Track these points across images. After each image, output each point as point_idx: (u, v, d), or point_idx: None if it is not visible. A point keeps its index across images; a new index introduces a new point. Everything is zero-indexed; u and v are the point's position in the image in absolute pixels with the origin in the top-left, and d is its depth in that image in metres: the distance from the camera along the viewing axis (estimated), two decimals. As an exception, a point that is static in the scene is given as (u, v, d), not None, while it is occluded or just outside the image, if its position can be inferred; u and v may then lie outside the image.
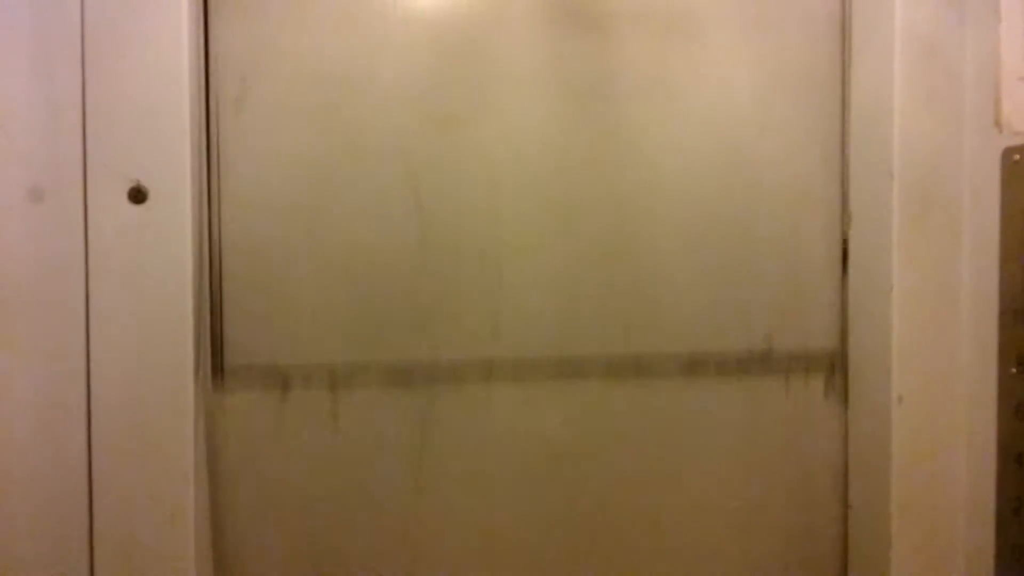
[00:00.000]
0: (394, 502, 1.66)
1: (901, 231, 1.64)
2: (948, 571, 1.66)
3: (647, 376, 1.73)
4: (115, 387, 1.41)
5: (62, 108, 1.40)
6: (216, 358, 1.59)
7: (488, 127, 1.67)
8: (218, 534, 1.59)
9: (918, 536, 1.66)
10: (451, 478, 1.67)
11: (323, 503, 1.63)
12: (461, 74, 1.66)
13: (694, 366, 1.75)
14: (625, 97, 1.71)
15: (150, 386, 1.42)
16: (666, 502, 1.75)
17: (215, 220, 1.58)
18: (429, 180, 1.65)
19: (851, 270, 1.77)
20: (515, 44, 1.67)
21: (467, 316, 1.67)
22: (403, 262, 1.64)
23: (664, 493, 1.75)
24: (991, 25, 1.63)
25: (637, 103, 1.72)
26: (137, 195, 1.41)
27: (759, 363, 1.77)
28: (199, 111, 1.52)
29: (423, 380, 1.66)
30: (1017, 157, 1.60)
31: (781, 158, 1.77)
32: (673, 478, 1.76)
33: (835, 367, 1.79)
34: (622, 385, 1.73)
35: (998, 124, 1.62)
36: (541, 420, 1.70)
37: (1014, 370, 1.61)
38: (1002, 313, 1.62)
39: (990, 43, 1.63)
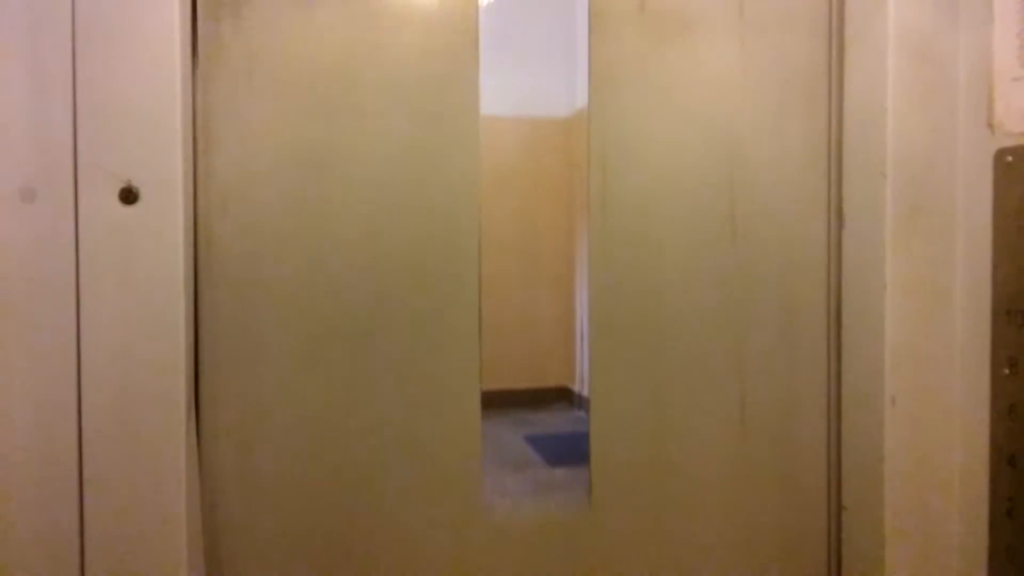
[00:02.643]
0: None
1: (894, 231, 1.64)
2: (942, 571, 1.66)
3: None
4: (106, 388, 1.41)
5: (54, 108, 1.39)
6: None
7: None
8: (209, 536, 1.58)
9: (912, 536, 1.66)
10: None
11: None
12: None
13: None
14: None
15: (142, 388, 1.41)
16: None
17: (206, 220, 1.57)
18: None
19: (844, 269, 1.77)
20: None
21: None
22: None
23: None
24: (984, 27, 1.63)
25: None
26: (128, 196, 1.41)
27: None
28: (190, 111, 1.52)
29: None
30: (1010, 158, 1.60)
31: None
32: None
33: (828, 367, 1.79)
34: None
35: (991, 125, 1.62)
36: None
37: (1007, 371, 1.61)
38: (995, 313, 1.62)
39: (983, 45, 1.63)
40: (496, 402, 3.11)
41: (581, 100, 2.51)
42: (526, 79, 3.02)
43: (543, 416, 3.16)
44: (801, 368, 1.79)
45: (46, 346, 1.40)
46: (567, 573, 1.71)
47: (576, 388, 3.17)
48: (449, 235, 1.65)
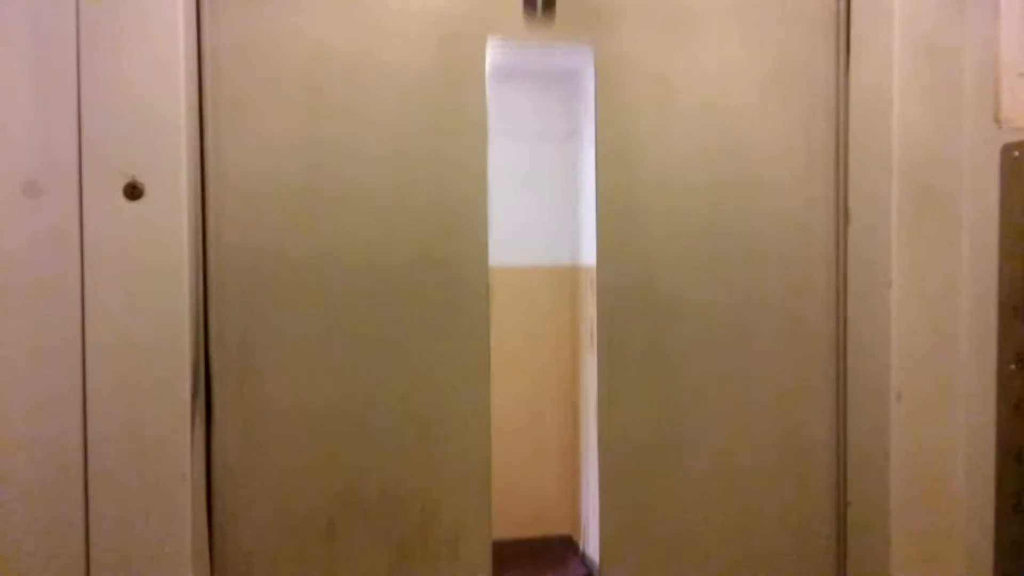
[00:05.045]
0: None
1: (900, 227, 1.64)
2: (948, 566, 1.66)
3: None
4: (111, 384, 1.40)
5: (58, 104, 1.39)
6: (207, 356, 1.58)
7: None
8: (214, 532, 1.57)
9: (917, 532, 1.65)
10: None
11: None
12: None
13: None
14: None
15: (147, 384, 1.41)
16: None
17: (210, 216, 1.56)
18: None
19: (850, 266, 1.77)
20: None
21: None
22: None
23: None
24: (990, 21, 1.63)
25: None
26: (133, 191, 1.40)
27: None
28: (194, 107, 1.51)
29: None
30: (1016, 153, 1.60)
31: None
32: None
33: (834, 363, 1.79)
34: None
35: (997, 120, 1.62)
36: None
37: (1013, 367, 1.61)
38: (1001, 309, 1.62)
39: (989, 39, 1.63)
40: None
41: (587, 258, 2.63)
42: (532, 232, 3.11)
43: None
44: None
45: (50, 341, 1.39)
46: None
47: (580, 542, 3.20)
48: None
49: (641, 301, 1.73)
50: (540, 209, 3.01)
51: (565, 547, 3.22)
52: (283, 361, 1.60)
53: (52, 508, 1.39)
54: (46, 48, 1.38)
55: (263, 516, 1.60)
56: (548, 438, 3.13)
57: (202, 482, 1.53)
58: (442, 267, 1.65)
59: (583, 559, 3.10)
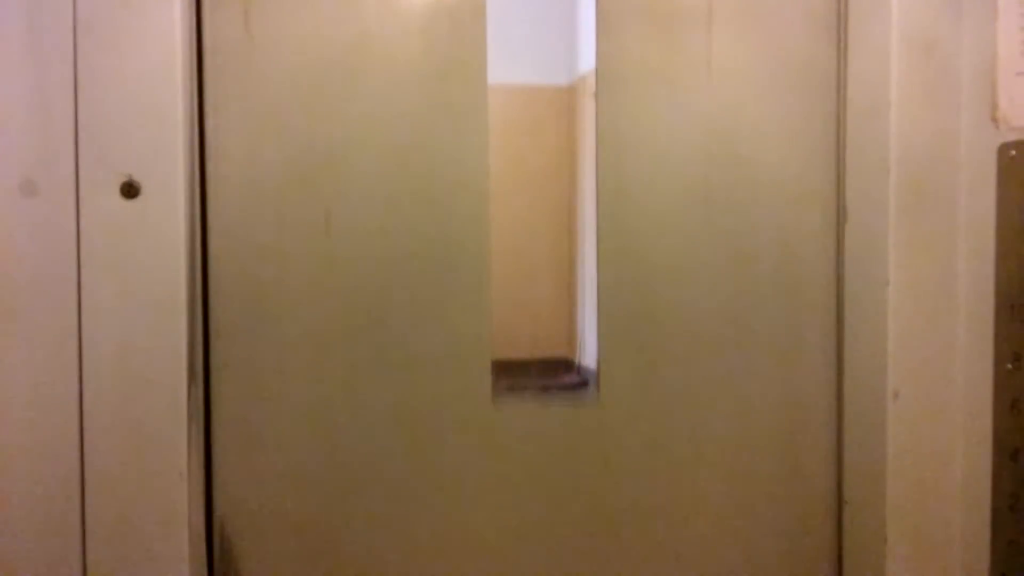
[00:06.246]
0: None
1: (897, 226, 1.64)
2: (944, 567, 1.67)
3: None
4: (108, 384, 1.40)
5: (54, 101, 1.38)
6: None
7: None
8: (213, 533, 1.58)
9: (914, 532, 1.66)
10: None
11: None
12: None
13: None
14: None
15: (143, 383, 1.41)
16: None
17: (211, 212, 1.56)
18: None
19: (847, 265, 1.77)
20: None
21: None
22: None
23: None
24: (988, 20, 1.63)
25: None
26: (130, 190, 1.40)
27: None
28: (193, 105, 1.51)
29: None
30: (1013, 153, 1.60)
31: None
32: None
33: (832, 362, 1.79)
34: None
35: (995, 119, 1.62)
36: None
37: (1010, 366, 1.61)
38: (998, 308, 1.62)
39: (987, 38, 1.63)
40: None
41: (585, 64, 2.43)
42: (528, 46, 2.96)
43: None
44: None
45: (47, 341, 1.40)
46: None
47: (577, 359, 3.19)
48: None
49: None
50: (536, 21, 2.88)
51: (561, 365, 3.23)
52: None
53: (47, 507, 1.39)
54: (42, 45, 1.38)
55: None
56: (543, 260, 3.07)
57: (200, 483, 1.53)
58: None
59: (579, 371, 3.11)
